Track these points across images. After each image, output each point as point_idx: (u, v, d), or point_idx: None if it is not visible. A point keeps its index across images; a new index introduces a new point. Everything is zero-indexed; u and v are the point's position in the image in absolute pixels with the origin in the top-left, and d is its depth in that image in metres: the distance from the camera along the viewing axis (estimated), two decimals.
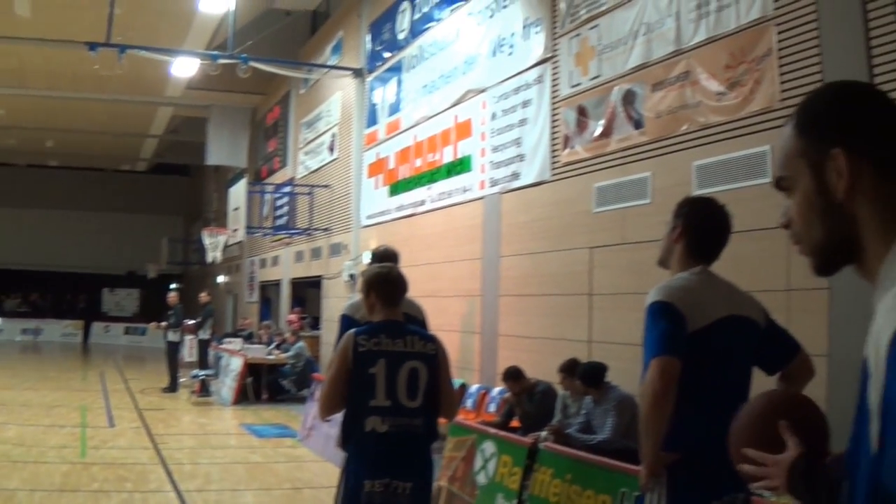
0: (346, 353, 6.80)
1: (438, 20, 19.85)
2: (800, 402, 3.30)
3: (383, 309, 7.14)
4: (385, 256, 9.75)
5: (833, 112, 2.26)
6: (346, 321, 9.03)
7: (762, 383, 5.30)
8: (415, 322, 9.20)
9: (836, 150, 2.17)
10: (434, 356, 7.01)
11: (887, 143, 2.18)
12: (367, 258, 21.99)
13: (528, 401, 12.80)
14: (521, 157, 15.46)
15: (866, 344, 1.91)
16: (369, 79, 24.43)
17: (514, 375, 12.88)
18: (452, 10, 19.10)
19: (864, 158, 2.16)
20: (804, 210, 2.30)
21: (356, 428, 6.76)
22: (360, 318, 8.91)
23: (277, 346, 25.72)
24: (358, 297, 9.57)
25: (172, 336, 26.31)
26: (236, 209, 33.61)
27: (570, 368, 11.77)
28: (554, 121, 14.51)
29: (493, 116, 16.64)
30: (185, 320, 26.79)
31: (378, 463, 6.71)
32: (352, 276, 22.91)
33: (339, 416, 7.28)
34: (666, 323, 4.95)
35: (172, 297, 27.23)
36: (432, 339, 7.18)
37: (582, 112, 13.69)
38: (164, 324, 26.47)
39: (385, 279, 7.28)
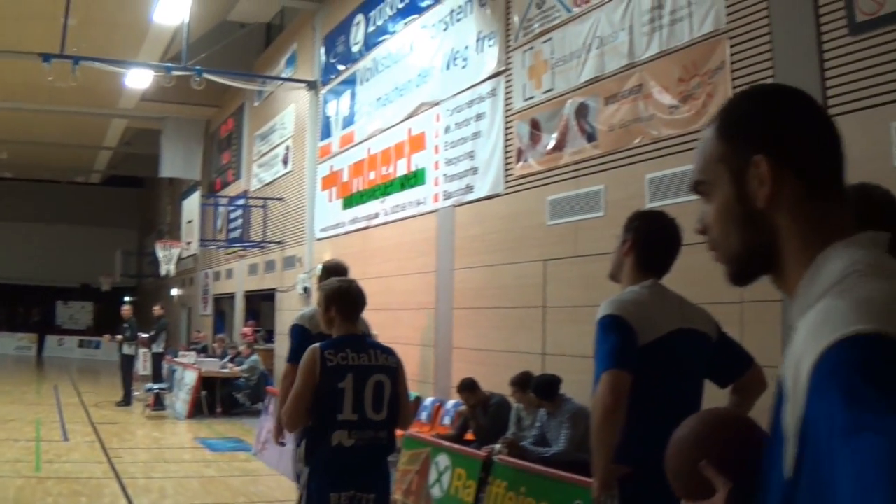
0: (313, 368, 6.78)
1: (392, 33, 19.86)
2: (727, 428, 3.04)
3: (344, 323, 7.15)
4: (336, 270, 9.74)
5: (758, 117, 2.15)
6: (301, 332, 9.05)
7: (718, 395, 5.32)
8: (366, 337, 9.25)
9: (759, 156, 2.07)
10: (395, 369, 7.10)
11: (813, 151, 2.10)
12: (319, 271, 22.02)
13: (482, 414, 12.81)
14: (474, 170, 15.48)
15: (784, 363, 1.85)
16: (323, 91, 24.42)
17: (469, 387, 12.88)
18: (406, 24, 19.12)
19: (787, 167, 2.07)
20: (722, 217, 2.20)
21: (322, 442, 6.75)
22: (313, 328, 8.95)
23: (231, 360, 25.60)
24: (310, 308, 9.57)
25: (127, 349, 26.20)
26: (190, 222, 33.56)
27: (523, 382, 11.79)
28: (507, 134, 14.53)
29: (447, 129, 16.65)
30: (140, 333, 26.69)
31: (344, 476, 6.75)
32: (306, 289, 22.88)
33: (291, 435, 7.28)
34: (616, 336, 4.96)
35: (126, 310, 27.11)
36: (392, 352, 7.23)
37: (535, 125, 13.71)
38: (118, 337, 26.35)
39: (346, 293, 7.27)
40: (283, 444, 9.40)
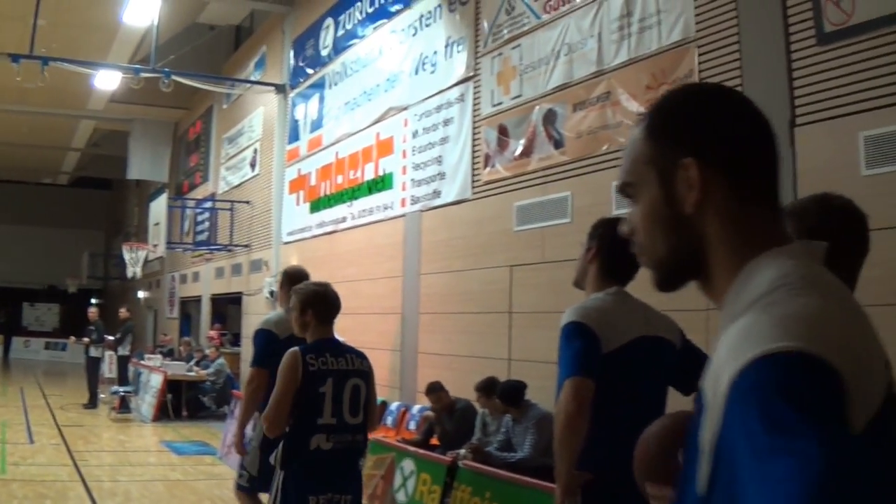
0: (294, 372, 6.81)
1: (362, 37, 19.86)
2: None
3: (319, 327, 7.21)
4: (297, 276, 9.73)
5: (688, 117, 2.05)
6: (267, 336, 9.01)
7: (682, 403, 5.34)
8: None
9: (689, 159, 1.97)
10: (368, 373, 7.22)
11: (745, 155, 2.00)
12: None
13: (447, 419, 12.81)
14: (442, 176, 15.48)
15: (705, 374, 1.78)
16: (292, 95, 24.39)
17: (435, 389, 12.89)
18: (376, 28, 19.13)
19: (717, 171, 1.97)
20: (649, 221, 2.09)
21: (301, 446, 6.81)
22: (280, 333, 8.94)
23: (198, 363, 25.53)
24: (275, 312, 9.55)
25: (94, 352, 26.11)
26: (157, 224, 33.37)
27: (488, 387, 11.79)
28: (475, 139, 14.54)
29: (415, 134, 16.66)
30: (106, 336, 26.60)
31: (322, 479, 6.84)
32: (272, 293, 22.82)
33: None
34: (580, 343, 4.96)
35: (93, 312, 27.01)
36: (365, 357, 7.33)
37: (503, 131, 13.72)
38: (85, 339, 26.25)
39: (324, 297, 7.33)
40: (244, 454, 9.34)
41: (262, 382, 8.80)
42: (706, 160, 1.96)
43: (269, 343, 8.95)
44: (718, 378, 1.69)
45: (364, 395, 7.07)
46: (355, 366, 7.11)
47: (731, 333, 1.75)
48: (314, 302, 7.21)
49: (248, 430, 9.40)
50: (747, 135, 2.02)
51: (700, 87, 2.30)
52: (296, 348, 7.04)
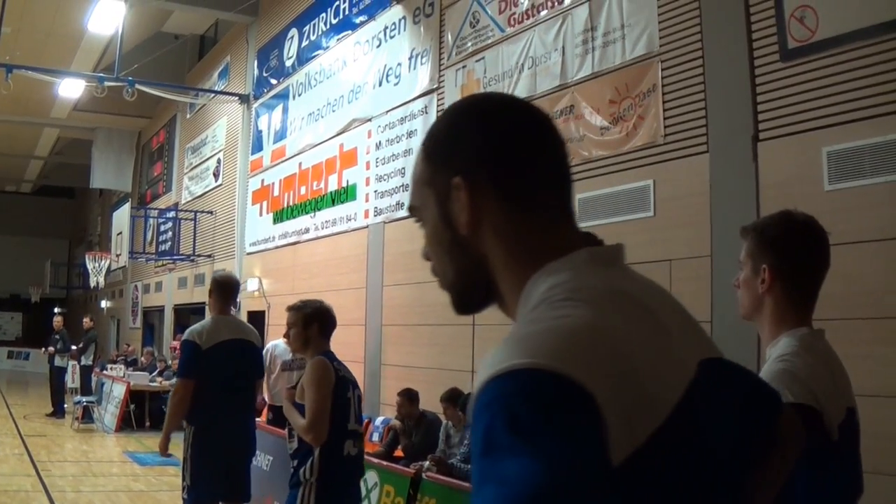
0: (330, 378, 7.07)
1: (326, 48, 19.87)
2: None
3: (321, 341, 7.45)
4: (228, 284, 9.85)
5: (456, 136, 1.96)
6: (192, 348, 9.09)
7: None
8: (253, 348, 9.43)
9: (457, 178, 1.88)
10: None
11: (515, 170, 1.90)
12: (252, 285, 21.90)
13: (415, 430, 12.81)
14: (405, 187, 15.45)
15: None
16: (255, 105, 24.34)
17: (409, 396, 12.87)
18: (340, 39, 19.13)
19: (488, 188, 1.87)
20: (433, 244, 2.02)
21: (337, 452, 6.99)
22: (203, 344, 9.04)
23: (160, 373, 25.42)
24: (200, 323, 9.62)
25: (59, 361, 26.02)
26: (120, 233, 33.34)
27: (453, 398, 11.80)
28: None
29: (379, 146, 16.65)
30: (71, 345, 26.52)
31: (350, 485, 7.21)
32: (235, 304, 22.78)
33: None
34: None
35: (58, 321, 26.95)
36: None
37: None
38: (50, 349, 26.15)
39: (328, 312, 7.61)
40: (170, 457, 9.51)
41: (187, 394, 8.99)
42: (474, 179, 1.88)
43: (194, 354, 9.04)
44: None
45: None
46: (352, 377, 7.45)
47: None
48: (319, 317, 7.46)
49: None
50: (518, 148, 1.92)
51: (471, 103, 2.06)
52: (322, 357, 7.26)
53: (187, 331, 9.41)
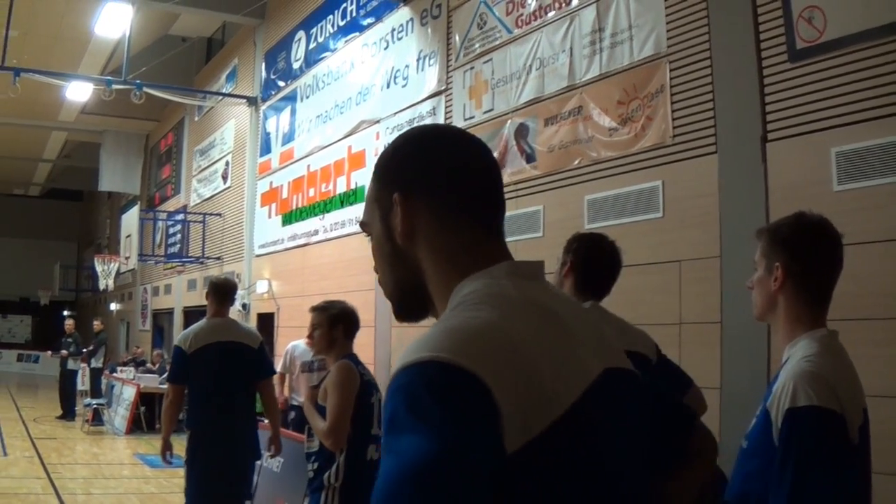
0: (354, 382, 7.07)
1: (333, 50, 19.87)
2: None
3: (345, 342, 7.47)
4: (227, 287, 9.91)
5: (398, 158, 2.26)
6: (178, 352, 9.31)
7: None
8: (250, 351, 9.46)
9: (396, 194, 2.17)
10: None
11: (445, 188, 2.18)
12: (261, 287, 21.91)
13: None
14: None
15: None
16: (263, 107, 24.34)
17: None
18: (347, 41, 19.14)
19: (421, 204, 2.16)
20: (377, 255, 2.30)
21: (362, 457, 7.02)
22: (188, 349, 9.13)
23: None
24: (192, 326, 9.72)
25: (73, 364, 26.09)
26: (129, 236, 33.34)
27: None
28: None
29: None
30: (82, 348, 26.59)
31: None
32: (244, 306, 22.79)
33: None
34: None
35: (69, 324, 27.06)
36: None
37: None
38: (64, 352, 26.21)
39: (354, 315, 7.65)
40: (170, 463, 9.59)
41: (176, 398, 9.33)
42: (410, 195, 2.16)
43: (179, 359, 9.24)
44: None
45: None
46: (374, 381, 7.41)
47: None
48: (344, 318, 7.49)
49: None
50: (447, 169, 2.19)
51: (418, 132, 2.36)
52: (346, 360, 7.26)
53: (179, 336, 9.58)
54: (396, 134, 14.05)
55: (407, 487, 1.65)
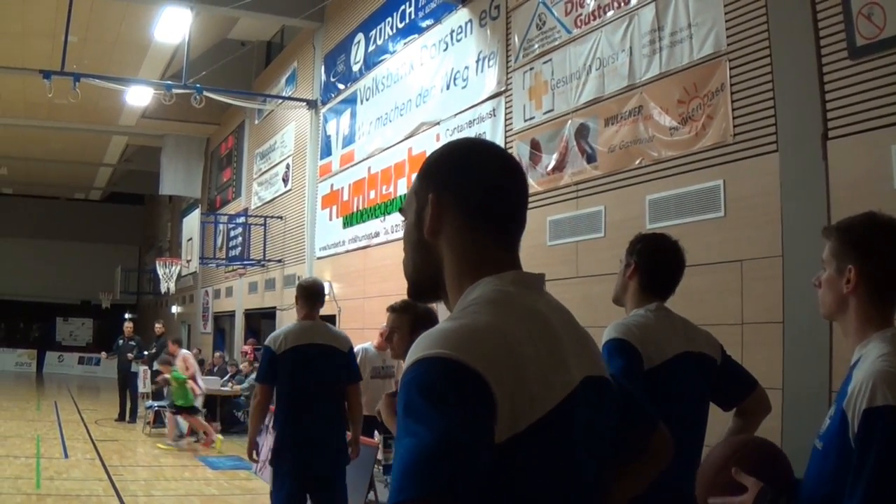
0: None
1: (393, 53, 19.92)
2: (754, 444, 3.55)
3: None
4: (315, 289, 9.85)
5: (440, 164, 2.55)
6: (267, 353, 9.28)
7: (724, 417, 5.36)
8: (340, 355, 9.43)
9: (432, 195, 2.47)
10: None
11: (475, 200, 2.46)
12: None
13: None
14: None
15: None
16: (323, 110, 24.45)
17: None
18: (406, 43, 19.19)
19: (452, 209, 2.45)
20: (405, 239, 2.61)
21: None
22: (277, 349, 9.15)
23: (232, 377, 25.55)
24: (284, 327, 9.72)
25: (135, 367, 26.32)
26: (190, 239, 33.47)
27: None
28: None
29: None
30: (144, 351, 26.80)
31: None
32: None
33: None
34: (622, 360, 4.92)
35: (128, 327, 27.29)
36: None
37: (535, 146, 13.75)
38: (129, 355, 26.43)
39: (436, 317, 7.28)
40: (256, 462, 9.57)
41: (263, 398, 9.26)
42: (444, 199, 2.47)
43: (268, 359, 9.19)
44: None
45: None
46: None
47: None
48: (426, 321, 7.14)
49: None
50: (480, 183, 2.49)
51: (464, 143, 2.70)
52: None
53: (269, 337, 9.49)
54: (457, 136, 14.11)
55: (424, 463, 1.91)
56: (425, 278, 2.55)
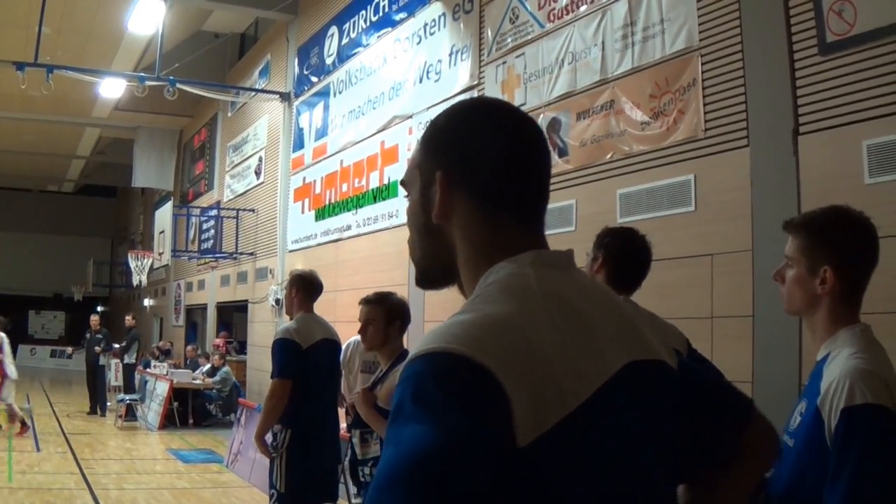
0: None
1: (366, 46, 19.89)
2: None
3: (400, 338, 7.39)
4: (312, 280, 9.69)
5: (446, 135, 2.22)
6: (289, 346, 8.82)
7: None
8: (339, 348, 9.29)
9: (439, 173, 2.15)
10: None
11: (487, 174, 2.15)
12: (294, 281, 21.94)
13: None
14: None
15: None
16: (296, 103, 24.40)
17: None
18: (380, 37, 19.16)
19: (460, 186, 2.15)
20: (410, 222, 2.29)
21: None
22: (303, 342, 8.92)
23: (215, 370, 25.49)
24: (294, 320, 9.43)
25: (103, 360, 26.25)
26: (162, 232, 33.41)
27: None
28: None
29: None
30: (113, 344, 26.73)
31: None
32: (278, 301, 22.83)
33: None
34: None
35: (94, 320, 27.22)
36: None
37: None
38: (97, 348, 26.34)
39: (409, 309, 7.56)
40: (273, 457, 9.21)
41: (285, 394, 8.69)
42: (452, 178, 2.15)
43: (292, 353, 8.80)
44: None
45: None
46: None
47: None
48: (400, 313, 7.34)
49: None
50: (492, 156, 2.16)
51: (466, 106, 2.32)
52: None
53: (282, 329, 9.26)
54: None
55: (404, 478, 1.67)
56: (436, 266, 2.25)
